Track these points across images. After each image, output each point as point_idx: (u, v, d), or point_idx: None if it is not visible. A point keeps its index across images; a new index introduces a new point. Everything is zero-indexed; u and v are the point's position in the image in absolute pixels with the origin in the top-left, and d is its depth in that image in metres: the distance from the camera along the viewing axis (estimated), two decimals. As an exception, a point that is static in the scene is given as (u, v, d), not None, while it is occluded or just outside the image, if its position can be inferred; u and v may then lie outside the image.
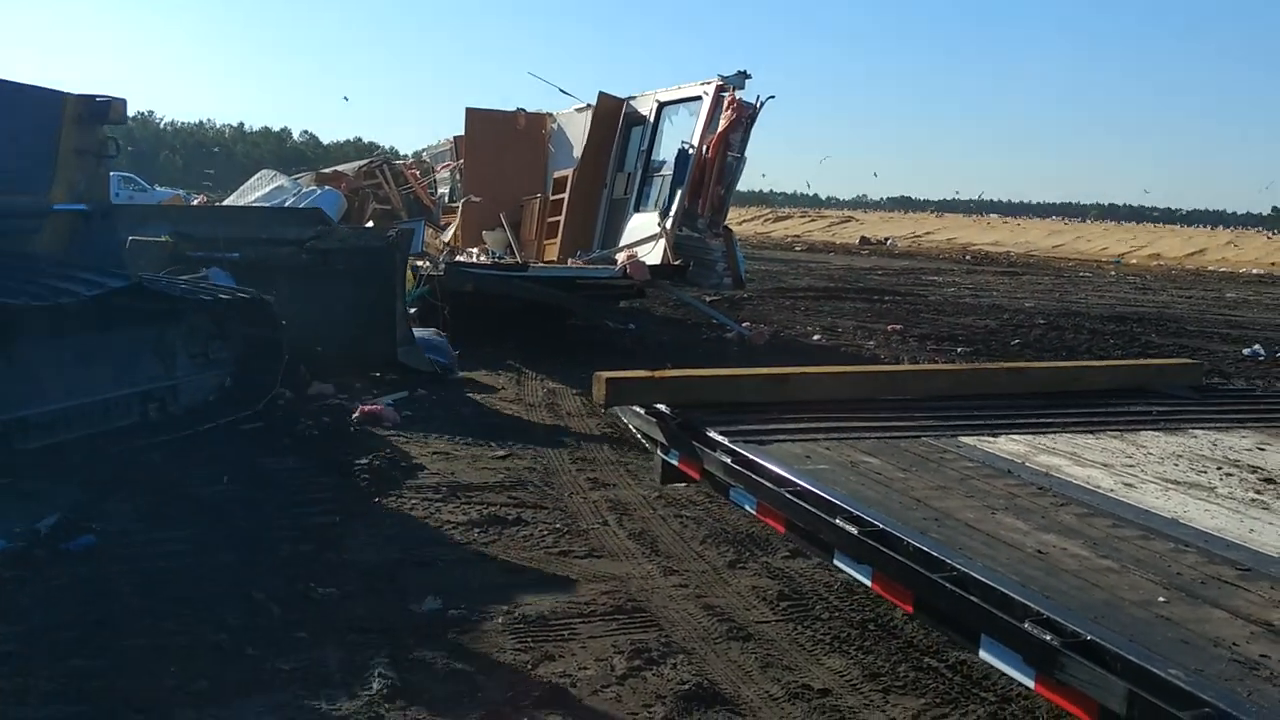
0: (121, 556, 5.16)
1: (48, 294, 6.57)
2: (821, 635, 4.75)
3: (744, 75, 13.50)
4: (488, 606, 4.85)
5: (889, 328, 16.24)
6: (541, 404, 9.42)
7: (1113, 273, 37.84)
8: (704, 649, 4.53)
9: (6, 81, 7.29)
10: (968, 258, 44.71)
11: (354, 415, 8.24)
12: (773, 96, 13.84)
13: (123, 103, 7.79)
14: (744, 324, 15.19)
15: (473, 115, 16.61)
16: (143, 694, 3.80)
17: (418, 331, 10.45)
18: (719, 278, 14.09)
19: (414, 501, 6.38)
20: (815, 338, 15.04)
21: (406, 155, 24.02)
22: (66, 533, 5.38)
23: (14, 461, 6.37)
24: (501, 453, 7.64)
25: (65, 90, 7.53)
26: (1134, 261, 46.83)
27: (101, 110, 7.70)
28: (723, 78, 13.37)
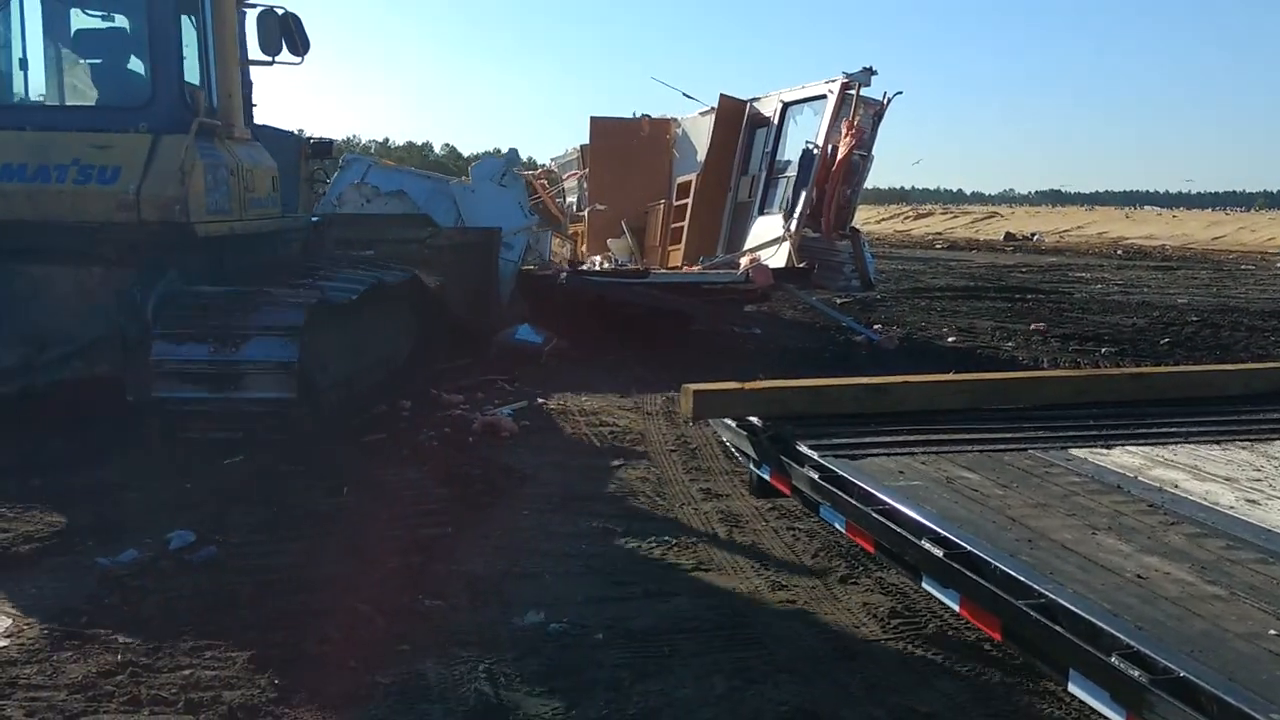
0: (240, 568, 5.33)
1: (389, 280, 9.30)
2: (933, 656, 4.56)
3: (870, 71, 13.20)
4: (590, 620, 4.83)
5: (1031, 327, 15.65)
6: (659, 412, 9.38)
7: (1279, 265, 35.67)
8: (808, 669, 4.40)
9: (285, 130, 10.09)
10: (1119, 253, 42.80)
11: (474, 426, 8.36)
12: (900, 92, 13.55)
13: (336, 142, 10.74)
14: (874, 327, 14.86)
15: (597, 124, 16.70)
16: (245, 706, 3.90)
17: (522, 326, 11.99)
18: (846, 279, 13.83)
19: (526, 512, 6.42)
20: (950, 340, 14.59)
21: (542, 164, 24.39)
22: (192, 545, 5.60)
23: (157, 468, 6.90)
24: (615, 462, 7.63)
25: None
26: (1304, 252, 44.01)
27: (325, 148, 10.44)
28: (848, 75, 13.11)
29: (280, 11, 8.52)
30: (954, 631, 4.76)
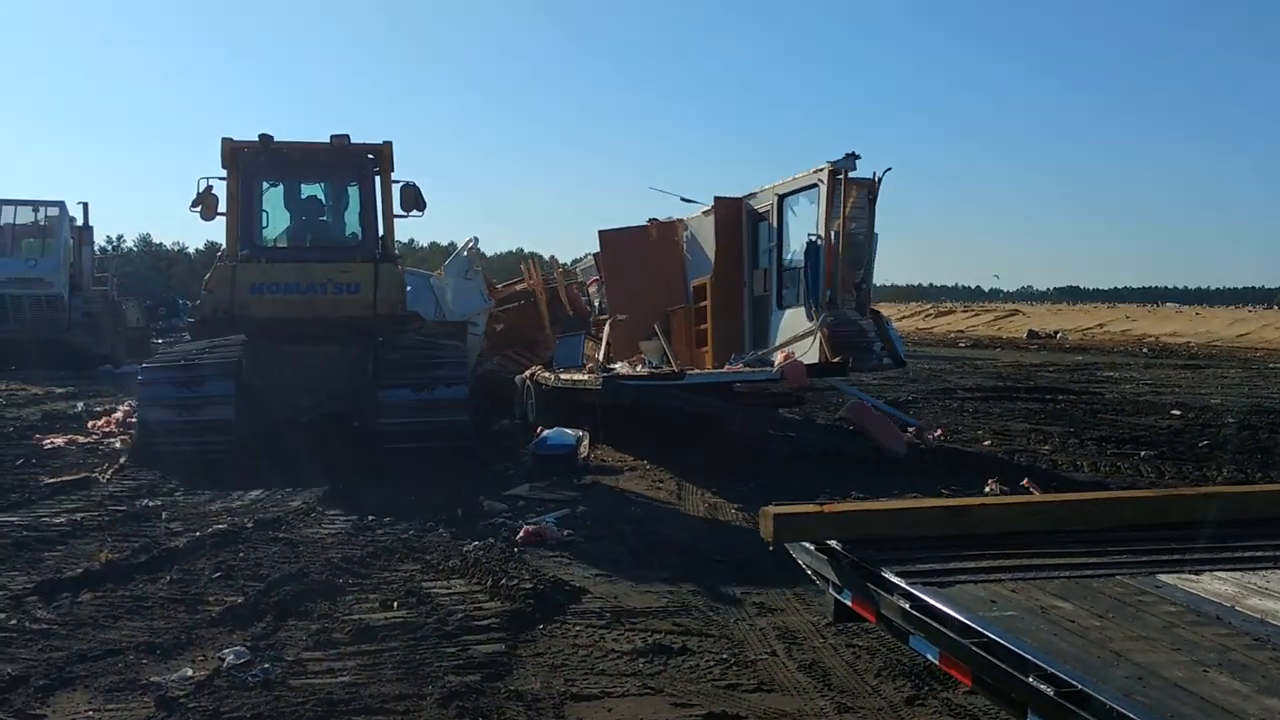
0: (296, 687, 5.24)
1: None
2: (1011, 784, 4.41)
3: (853, 156, 13.24)
4: (655, 746, 4.71)
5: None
6: (704, 517, 9.28)
7: (1308, 363, 35.41)
8: (883, 798, 4.27)
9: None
10: (1145, 350, 42.70)
11: (519, 536, 8.29)
12: (889, 169, 13.44)
13: None
14: (913, 427, 14.71)
15: (605, 237, 16.54)
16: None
17: (551, 431, 12.57)
18: (877, 358, 13.70)
19: (579, 628, 6.31)
20: (986, 443, 14.46)
21: (565, 263, 24.74)
22: (247, 662, 5.52)
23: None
24: (664, 574, 7.52)
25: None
26: (1330, 349, 43.69)
27: None
28: (833, 162, 13.16)
29: (413, 184, 13.13)
30: (1032, 759, 4.61)
